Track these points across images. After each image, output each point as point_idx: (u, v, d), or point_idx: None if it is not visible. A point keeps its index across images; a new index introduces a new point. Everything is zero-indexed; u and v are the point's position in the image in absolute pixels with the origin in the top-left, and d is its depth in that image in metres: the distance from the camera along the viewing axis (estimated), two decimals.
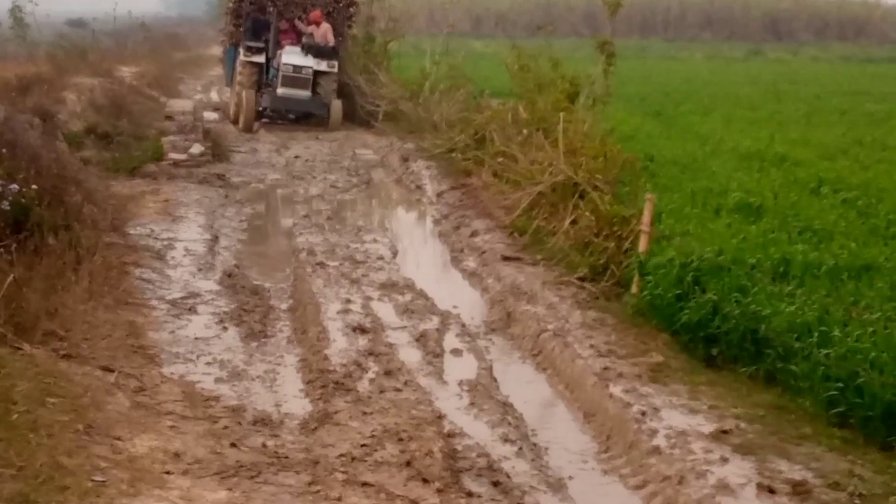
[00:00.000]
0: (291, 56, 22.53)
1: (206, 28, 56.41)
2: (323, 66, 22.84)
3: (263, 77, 23.24)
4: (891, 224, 11.20)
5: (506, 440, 7.34)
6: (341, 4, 24.76)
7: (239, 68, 23.36)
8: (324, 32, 23.41)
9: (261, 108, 22.92)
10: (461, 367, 8.81)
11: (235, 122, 22.89)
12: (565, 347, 8.99)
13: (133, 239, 12.31)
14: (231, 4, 24.91)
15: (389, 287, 10.98)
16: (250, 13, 23.86)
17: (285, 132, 22.22)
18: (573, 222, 12.31)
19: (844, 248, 9.96)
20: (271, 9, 23.58)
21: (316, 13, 23.67)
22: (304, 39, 22.91)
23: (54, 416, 6.32)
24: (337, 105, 23.14)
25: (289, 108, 23.27)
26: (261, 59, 23.19)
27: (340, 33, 24.54)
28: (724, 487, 6.40)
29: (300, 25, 23.64)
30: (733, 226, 10.85)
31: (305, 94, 22.66)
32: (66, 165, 13.21)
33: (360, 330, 9.44)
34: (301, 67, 22.39)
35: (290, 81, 22.41)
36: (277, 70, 22.54)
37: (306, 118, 23.58)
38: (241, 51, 23.45)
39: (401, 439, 6.92)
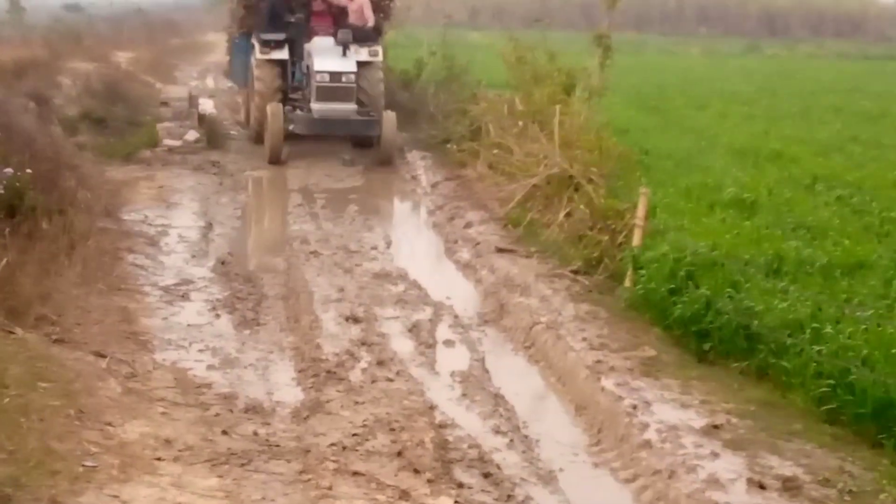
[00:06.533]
0: (325, 59, 17.09)
1: (202, 14, 56.23)
2: (363, 54, 17.46)
3: (289, 79, 18.02)
4: (884, 222, 11.23)
5: (497, 432, 7.33)
6: None
7: (255, 70, 17.94)
8: (358, 8, 18.19)
9: (290, 130, 17.09)
10: (453, 359, 8.81)
11: (258, 140, 17.90)
12: (558, 340, 8.99)
13: (127, 225, 12.30)
14: None
15: (383, 277, 10.97)
16: None
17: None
18: (567, 215, 12.34)
19: (838, 245, 9.98)
20: None
21: None
22: (341, 36, 17.25)
23: (46, 401, 6.31)
24: (390, 119, 17.17)
25: (330, 131, 17.45)
26: (283, 54, 17.79)
27: (382, 8, 19.36)
28: (714, 482, 6.40)
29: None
30: (727, 221, 10.86)
31: (349, 107, 17.11)
32: (60, 150, 13.22)
33: (353, 319, 9.43)
34: (340, 74, 17.00)
35: (327, 93, 16.99)
36: (308, 76, 17.32)
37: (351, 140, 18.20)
38: (257, 45, 17.93)
39: (392, 429, 6.92)
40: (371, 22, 18.14)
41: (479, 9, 61.42)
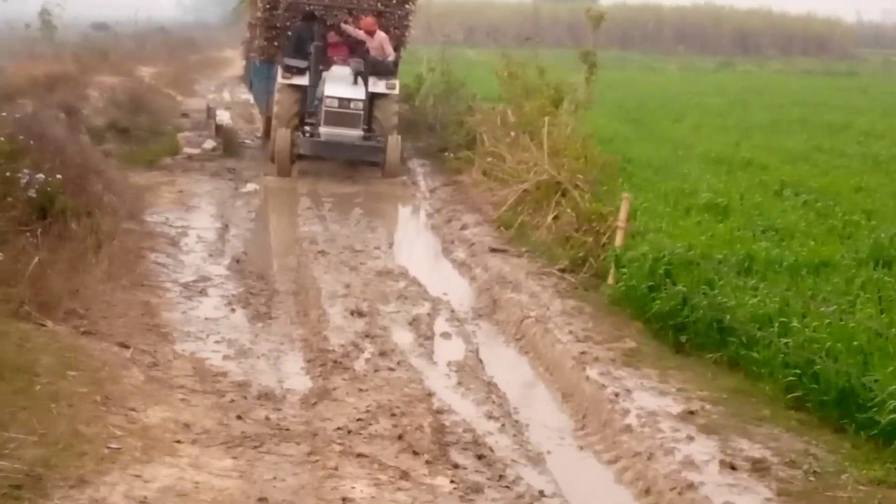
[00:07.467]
0: (336, 85, 16.60)
1: (219, 33, 56.21)
2: (381, 86, 16.95)
3: (307, 104, 17.19)
4: (847, 224, 11.26)
5: (490, 417, 7.33)
6: (394, 1, 18.23)
7: (277, 95, 17.33)
8: (379, 44, 17.29)
9: (299, 153, 16.65)
10: (450, 350, 8.80)
11: (273, 159, 16.81)
12: (546, 333, 8.99)
13: (149, 226, 12.28)
14: (260, 14, 18.32)
15: (385, 274, 10.95)
16: (291, 22, 17.71)
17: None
18: (555, 218, 12.36)
19: (804, 245, 9.99)
20: (316, 25, 17.44)
21: (368, 21, 17.33)
22: (353, 65, 16.80)
23: (74, 388, 6.32)
24: (394, 143, 16.57)
25: (335, 155, 16.93)
26: (304, 80, 17.05)
27: (399, 40, 18.34)
28: (689, 464, 6.40)
29: (349, 29, 17.57)
30: (702, 224, 10.87)
31: (355, 133, 16.57)
32: (88, 157, 13.21)
33: (358, 313, 9.41)
34: (349, 100, 16.46)
35: (335, 118, 16.44)
36: (320, 101, 16.68)
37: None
38: (280, 70, 17.29)
39: (393, 415, 6.92)
40: (392, 57, 17.50)
41: (474, 28, 61.40)
